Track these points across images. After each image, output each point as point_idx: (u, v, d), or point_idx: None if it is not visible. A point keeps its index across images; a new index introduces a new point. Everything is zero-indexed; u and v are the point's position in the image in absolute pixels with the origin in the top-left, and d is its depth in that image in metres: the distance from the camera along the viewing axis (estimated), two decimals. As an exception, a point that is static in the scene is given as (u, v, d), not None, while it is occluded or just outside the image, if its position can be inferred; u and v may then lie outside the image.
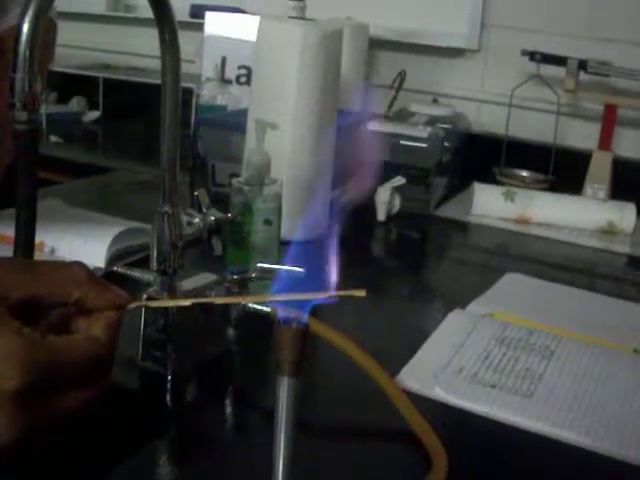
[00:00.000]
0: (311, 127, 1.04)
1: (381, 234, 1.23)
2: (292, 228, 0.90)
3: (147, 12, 0.67)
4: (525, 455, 0.62)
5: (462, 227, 1.29)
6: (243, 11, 1.66)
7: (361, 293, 0.46)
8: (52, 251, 0.90)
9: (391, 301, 0.96)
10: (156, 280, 0.69)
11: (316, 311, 0.45)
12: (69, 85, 2.04)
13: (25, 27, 0.56)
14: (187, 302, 0.58)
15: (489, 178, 1.49)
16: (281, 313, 0.43)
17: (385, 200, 1.22)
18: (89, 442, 0.56)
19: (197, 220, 0.72)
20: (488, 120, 1.68)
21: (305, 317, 0.43)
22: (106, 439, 0.58)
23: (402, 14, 1.75)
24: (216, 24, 1.51)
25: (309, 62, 1.02)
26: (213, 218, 0.73)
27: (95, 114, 2.00)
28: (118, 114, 1.98)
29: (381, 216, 1.23)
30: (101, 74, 1.99)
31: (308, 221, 0.88)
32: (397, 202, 1.25)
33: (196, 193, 0.74)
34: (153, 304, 0.64)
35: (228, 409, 0.66)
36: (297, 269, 0.51)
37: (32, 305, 0.51)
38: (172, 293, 0.68)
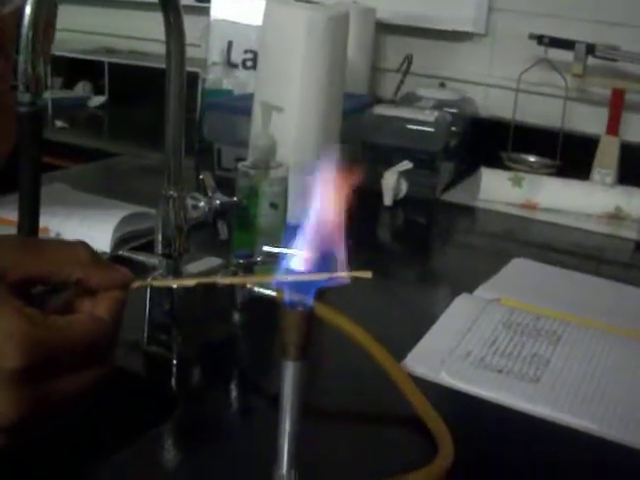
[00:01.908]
0: (317, 111, 1.03)
1: (387, 219, 1.23)
2: (298, 212, 0.90)
3: (152, -5, 0.67)
4: (531, 440, 0.62)
5: (469, 212, 1.29)
6: (249, -5, 1.65)
7: (367, 275, 0.45)
8: (57, 236, 0.90)
9: (398, 286, 0.96)
10: (161, 264, 0.68)
11: (322, 295, 0.45)
12: (74, 70, 2.03)
13: (28, 9, 0.55)
14: (191, 282, 0.58)
15: (496, 163, 1.48)
16: (287, 296, 0.42)
17: (392, 185, 1.22)
18: (94, 425, 0.56)
19: (202, 204, 0.72)
20: (495, 104, 1.67)
21: (311, 301, 0.43)
22: (111, 422, 0.58)
23: (409, -2, 1.74)
24: (222, 8, 1.51)
25: (315, 46, 1.01)
26: (219, 202, 0.73)
27: (100, 99, 2.00)
28: (123, 99, 1.98)
29: (387, 201, 1.22)
30: (106, 59, 1.98)
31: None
32: (404, 187, 1.24)
33: (201, 177, 0.73)
34: (157, 283, 0.64)
35: (233, 393, 0.66)
36: (303, 253, 0.51)
37: (34, 284, 0.51)
38: (177, 277, 0.68)
